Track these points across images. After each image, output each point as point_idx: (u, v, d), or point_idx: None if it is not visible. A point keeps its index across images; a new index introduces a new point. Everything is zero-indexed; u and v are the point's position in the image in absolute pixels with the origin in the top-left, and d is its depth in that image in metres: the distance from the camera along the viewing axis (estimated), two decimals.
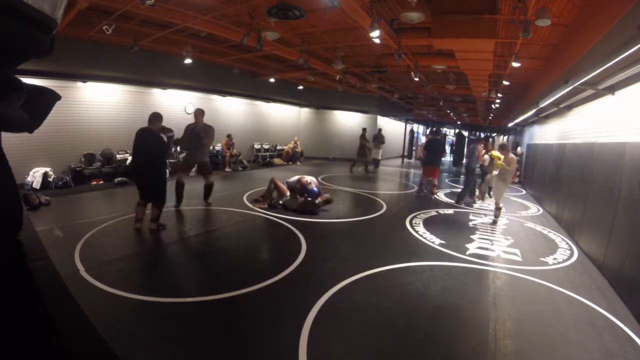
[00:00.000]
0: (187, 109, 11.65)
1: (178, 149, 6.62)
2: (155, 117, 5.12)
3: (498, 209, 6.90)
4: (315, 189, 6.72)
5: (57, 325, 0.80)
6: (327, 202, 7.03)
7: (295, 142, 16.34)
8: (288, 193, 6.77)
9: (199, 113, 6.34)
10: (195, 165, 6.61)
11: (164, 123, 5.32)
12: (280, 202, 6.76)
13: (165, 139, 5.12)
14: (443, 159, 9.95)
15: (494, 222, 6.78)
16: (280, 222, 5.95)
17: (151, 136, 4.99)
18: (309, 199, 6.56)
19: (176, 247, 4.67)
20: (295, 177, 6.93)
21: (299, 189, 6.66)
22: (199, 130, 6.19)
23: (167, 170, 5.56)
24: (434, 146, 9.22)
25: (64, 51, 7.34)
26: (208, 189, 6.66)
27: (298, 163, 15.44)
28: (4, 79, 0.72)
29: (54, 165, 8.02)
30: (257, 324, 2.94)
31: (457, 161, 21.15)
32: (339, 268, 4.12)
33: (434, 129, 9.97)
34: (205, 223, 5.96)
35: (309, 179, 6.86)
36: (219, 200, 7.24)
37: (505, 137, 20.69)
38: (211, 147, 6.55)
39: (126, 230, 5.24)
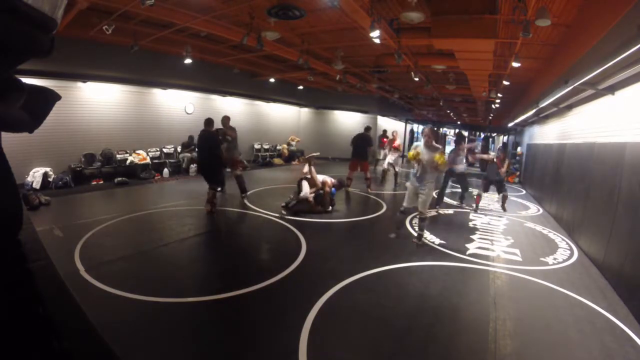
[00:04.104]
0: (187, 109, 11.65)
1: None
2: (209, 122, 6.41)
3: (423, 219, 5.12)
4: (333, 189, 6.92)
5: (57, 325, 0.80)
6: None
7: (292, 140, 16.25)
8: (319, 183, 6.81)
9: (225, 119, 7.39)
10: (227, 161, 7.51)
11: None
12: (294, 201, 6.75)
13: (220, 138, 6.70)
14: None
15: (419, 238, 5.16)
16: (280, 222, 5.95)
17: (207, 136, 6.35)
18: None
19: (176, 247, 4.67)
20: (320, 178, 6.92)
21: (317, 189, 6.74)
22: (225, 132, 7.29)
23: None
24: (359, 141, 9.17)
25: (64, 51, 7.33)
26: (238, 181, 7.49)
27: (296, 162, 15.34)
28: (4, 79, 0.72)
29: (54, 165, 8.02)
30: (257, 324, 2.94)
31: None
32: (339, 268, 4.12)
33: (368, 126, 9.92)
34: (205, 223, 5.96)
35: (329, 181, 6.94)
36: (219, 200, 7.25)
37: (505, 137, 20.69)
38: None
39: (126, 230, 5.25)
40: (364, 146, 9.21)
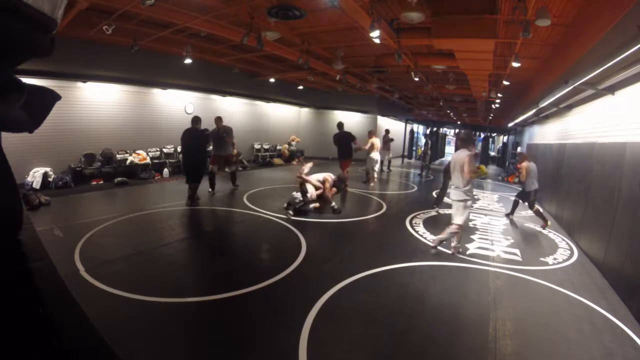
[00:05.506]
0: (187, 109, 11.65)
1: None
2: (197, 120, 6.77)
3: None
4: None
5: (57, 325, 0.80)
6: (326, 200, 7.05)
7: (292, 140, 16.25)
8: (321, 186, 6.74)
9: (218, 119, 7.93)
10: (222, 158, 8.10)
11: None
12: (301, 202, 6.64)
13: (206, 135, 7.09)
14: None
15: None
16: (280, 222, 5.95)
17: (196, 134, 6.68)
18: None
19: (176, 247, 4.67)
20: (320, 176, 6.85)
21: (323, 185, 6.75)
22: (222, 132, 7.75)
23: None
24: (341, 141, 9.29)
25: (64, 51, 7.33)
26: (233, 175, 8.45)
27: (294, 162, 15.28)
28: (4, 79, 0.72)
29: (54, 165, 8.02)
30: (257, 324, 2.94)
31: None
32: (339, 268, 4.12)
33: (339, 122, 9.92)
34: (205, 223, 5.96)
35: (330, 177, 6.91)
36: (219, 200, 7.25)
37: (505, 137, 20.67)
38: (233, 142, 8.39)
39: (126, 230, 5.24)
40: (349, 147, 9.39)
